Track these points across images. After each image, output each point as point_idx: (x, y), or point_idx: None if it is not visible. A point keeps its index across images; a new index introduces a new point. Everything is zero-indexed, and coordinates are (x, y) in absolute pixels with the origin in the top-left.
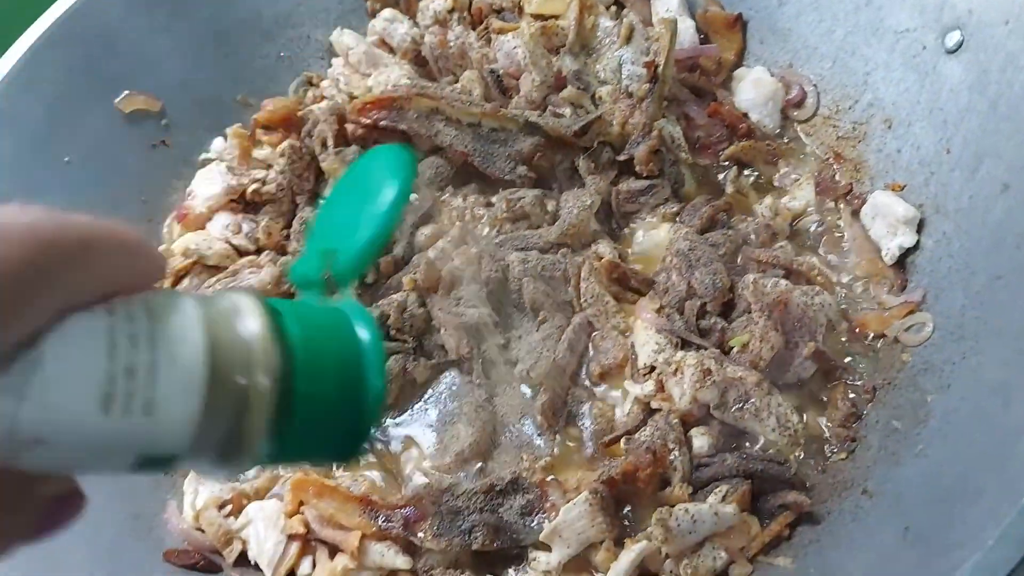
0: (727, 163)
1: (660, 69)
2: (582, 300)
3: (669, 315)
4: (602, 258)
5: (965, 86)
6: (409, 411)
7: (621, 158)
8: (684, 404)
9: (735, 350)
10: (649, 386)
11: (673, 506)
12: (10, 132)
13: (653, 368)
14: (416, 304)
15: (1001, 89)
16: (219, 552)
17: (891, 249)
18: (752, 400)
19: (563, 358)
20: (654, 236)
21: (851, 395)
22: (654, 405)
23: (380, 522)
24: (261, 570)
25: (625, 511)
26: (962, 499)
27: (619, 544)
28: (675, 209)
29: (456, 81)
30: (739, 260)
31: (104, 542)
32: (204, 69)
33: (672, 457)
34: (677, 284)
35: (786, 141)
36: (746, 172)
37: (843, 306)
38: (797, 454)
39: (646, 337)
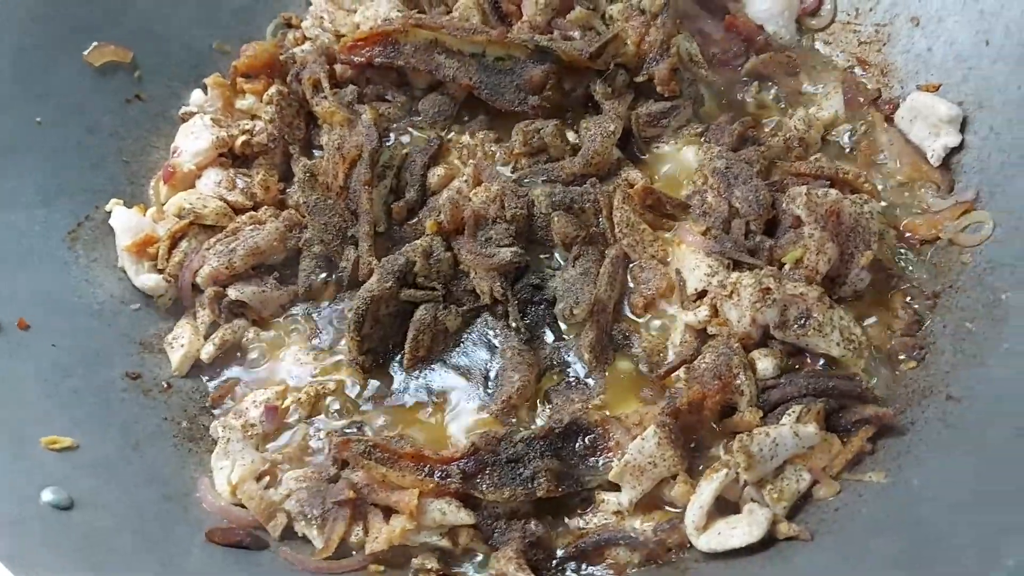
0: (747, 79)
1: None
2: (616, 230)
3: (717, 237)
4: (633, 185)
5: None
6: (443, 361)
7: (639, 80)
8: (743, 327)
9: (788, 266)
10: (703, 312)
11: (750, 432)
12: None
13: (704, 293)
14: (442, 248)
15: None
16: (263, 527)
17: (936, 150)
18: (814, 316)
19: (605, 292)
20: (679, 159)
21: (910, 301)
22: (710, 331)
23: (437, 478)
24: (311, 542)
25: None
26: None
27: (696, 476)
28: (699, 130)
29: (449, 11)
30: (776, 175)
31: (144, 527)
32: (173, 14)
33: (739, 382)
34: (716, 205)
35: (805, 51)
36: (766, 86)
37: (888, 213)
38: (863, 367)
39: (695, 261)
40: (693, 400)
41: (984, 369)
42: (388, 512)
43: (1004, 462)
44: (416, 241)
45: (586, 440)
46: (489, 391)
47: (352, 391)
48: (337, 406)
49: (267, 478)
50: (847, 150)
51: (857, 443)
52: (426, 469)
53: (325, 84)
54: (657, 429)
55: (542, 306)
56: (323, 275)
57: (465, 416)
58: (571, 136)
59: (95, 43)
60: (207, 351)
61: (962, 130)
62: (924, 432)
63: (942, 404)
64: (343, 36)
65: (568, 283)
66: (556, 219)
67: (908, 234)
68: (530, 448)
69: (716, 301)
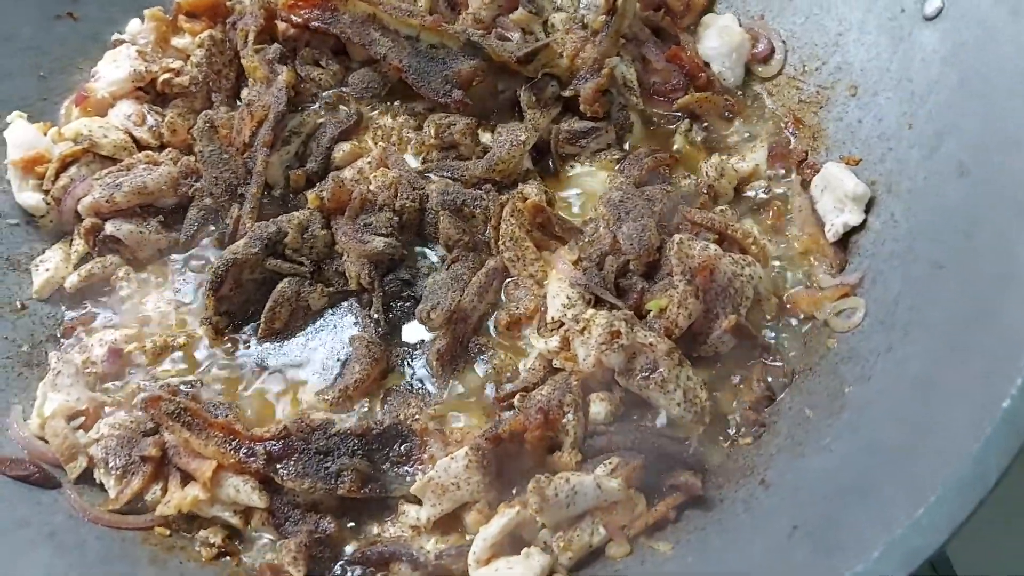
0: (679, 113)
1: (620, 1)
2: (500, 242)
3: (587, 268)
4: (527, 199)
5: (938, 57)
6: (298, 338)
7: (567, 94)
8: (588, 366)
9: (651, 314)
10: (554, 342)
11: (555, 473)
12: None
13: (562, 324)
14: (319, 225)
15: (975, 64)
16: (61, 466)
17: (835, 225)
18: (660, 370)
19: (470, 302)
20: (593, 182)
21: (768, 377)
22: (556, 364)
23: (241, 454)
24: (106, 491)
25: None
26: (857, 500)
27: (495, 508)
28: (617, 156)
29: None
30: (676, 219)
31: None
32: None
33: (565, 420)
34: (604, 237)
35: (745, 98)
36: (698, 126)
37: (778, 282)
38: (699, 432)
39: (558, 289)
40: (514, 430)
41: (801, 460)
42: (188, 479)
43: (770, 556)
44: (295, 212)
45: (402, 447)
46: (333, 377)
47: (200, 350)
48: (182, 361)
49: (83, 419)
50: (756, 207)
51: (662, 509)
52: (233, 443)
53: (251, 37)
54: (469, 451)
55: (408, 303)
56: (208, 228)
57: (304, 397)
58: (488, 138)
59: None
60: (71, 281)
61: (868, 210)
62: (726, 512)
63: (754, 487)
64: None
65: (435, 285)
66: (443, 218)
67: (790, 306)
68: (343, 443)
69: (570, 334)
